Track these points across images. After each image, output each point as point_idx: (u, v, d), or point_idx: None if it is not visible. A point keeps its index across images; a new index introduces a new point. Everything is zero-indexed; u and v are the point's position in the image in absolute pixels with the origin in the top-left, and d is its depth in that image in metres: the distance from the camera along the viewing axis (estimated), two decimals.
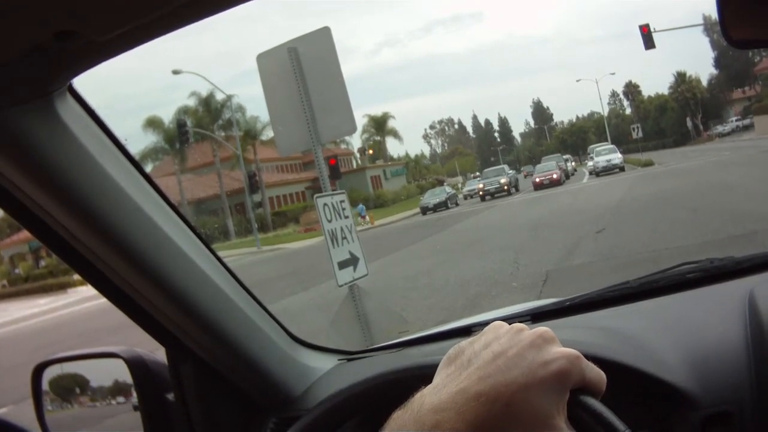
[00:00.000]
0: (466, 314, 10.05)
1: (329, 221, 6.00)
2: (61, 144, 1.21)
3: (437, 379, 0.95)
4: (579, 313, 1.80)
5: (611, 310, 1.73)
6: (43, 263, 54.50)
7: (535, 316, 1.86)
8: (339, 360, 2.02)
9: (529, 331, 0.94)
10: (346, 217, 6.20)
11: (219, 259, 1.61)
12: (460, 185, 80.00)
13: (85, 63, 1.10)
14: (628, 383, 1.27)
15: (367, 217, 52.47)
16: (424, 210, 52.90)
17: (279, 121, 6.51)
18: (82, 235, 1.32)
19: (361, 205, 57.20)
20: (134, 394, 1.78)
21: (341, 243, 6.05)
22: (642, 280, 1.82)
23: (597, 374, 0.93)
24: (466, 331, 1.87)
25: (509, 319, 1.72)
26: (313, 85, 6.24)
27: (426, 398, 0.91)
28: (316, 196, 6.07)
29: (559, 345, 0.93)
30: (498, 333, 0.96)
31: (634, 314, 1.63)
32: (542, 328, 0.94)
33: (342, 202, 6.20)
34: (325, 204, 6.00)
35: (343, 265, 6.06)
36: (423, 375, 1.01)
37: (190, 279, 1.50)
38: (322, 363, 1.96)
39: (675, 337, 1.39)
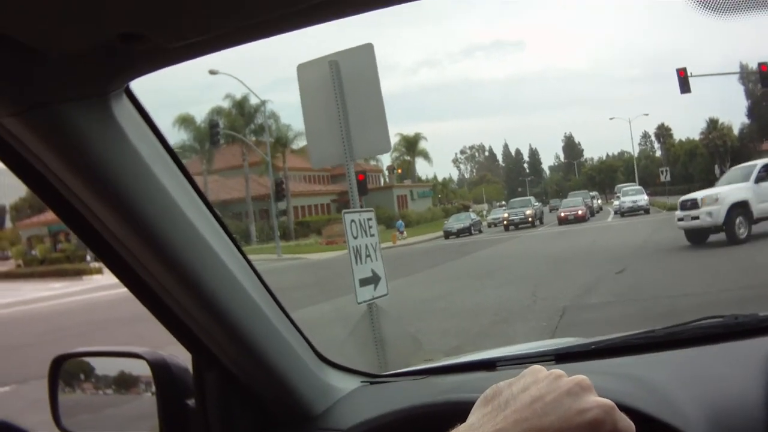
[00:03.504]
0: (480, 342, 10.05)
1: (355, 238, 6.01)
2: (113, 143, 1.22)
3: (473, 417, 0.95)
4: (603, 358, 1.79)
5: (635, 357, 1.72)
6: (60, 247, 54.65)
7: (559, 357, 1.85)
8: (362, 382, 2.01)
9: (567, 379, 0.95)
10: (372, 236, 6.21)
11: (255, 271, 1.62)
12: (485, 212, 79.67)
13: (147, 67, 1.11)
14: None
15: (405, 233, 54.42)
16: (447, 234, 52.70)
17: (314, 133, 6.53)
18: (122, 234, 1.33)
19: (400, 221, 58.90)
20: (152, 396, 1.77)
21: (365, 260, 6.06)
22: (667, 330, 1.83)
23: (628, 426, 0.93)
24: (491, 366, 1.89)
25: (532, 357, 1.86)
26: (351, 101, 6.26)
27: None
28: (344, 211, 6.09)
29: (595, 394, 0.93)
30: (537, 377, 0.96)
31: (659, 364, 1.63)
32: (580, 377, 0.95)
33: (369, 219, 6.21)
34: (352, 220, 6.01)
35: (364, 282, 6.06)
36: (457, 410, 1.00)
37: (225, 288, 1.50)
38: (345, 383, 1.95)
39: (697, 391, 1.39)
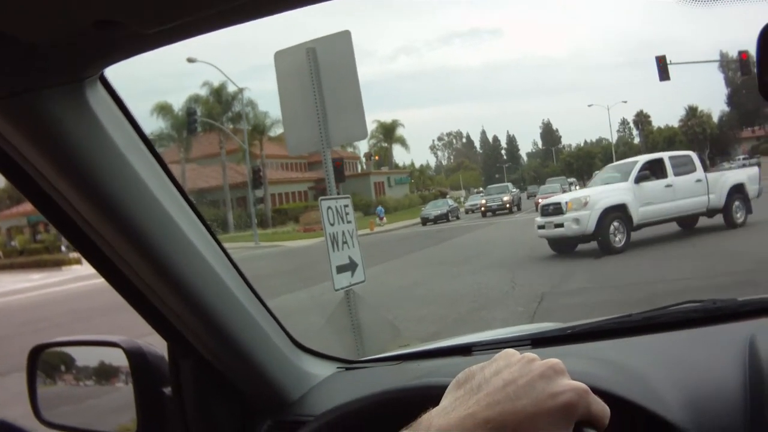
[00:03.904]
0: (459, 329, 10.06)
1: (332, 224, 6.00)
2: (87, 131, 1.21)
3: (445, 401, 0.95)
4: (580, 342, 1.79)
5: (613, 341, 1.72)
6: (39, 237, 54.28)
7: (536, 341, 1.85)
8: (338, 368, 2.01)
9: (540, 362, 0.95)
10: (349, 222, 6.20)
11: (230, 259, 1.61)
12: (462, 199, 79.77)
13: (122, 53, 1.10)
14: (627, 418, 1.26)
15: (385, 219, 55.25)
16: (425, 221, 52.73)
17: (291, 120, 6.51)
18: (97, 222, 1.32)
19: (380, 207, 59.79)
20: (131, 384, 1.76)
21: (341, 247, 6.05)
22: (645, 314, 1.81)
23: (602, 409, 0.93)
24: (466, 350, 1.88)
25: (509, 342, 1.88)
26: (328, 88, 6.25)
27: (434, 420, 0.90)
28: (321, 198, 6.08)
29: (569, 378, 0.93)
30: (509, 361, 0.96)
31: (636, 348, 1.63)
32: (553, 360, 0.95)
33: (346, 206, 6.20)
34: (329, 207, 6.01)
35: (341, 269, 6.06)
36: (430, 395, 1.00)
37: (201, 276, 1.50)
38: (321, 369, 1.95)
39: (675, 375, 1.39)
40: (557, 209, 18.00)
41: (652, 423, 1.28)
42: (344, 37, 6.30)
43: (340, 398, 1.58)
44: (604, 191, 18.32)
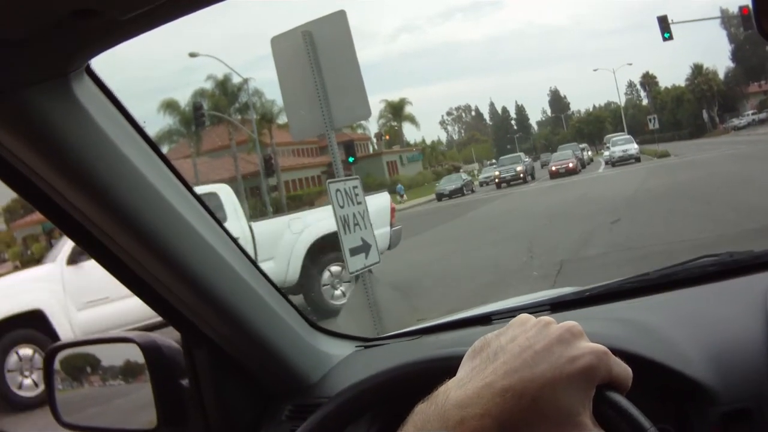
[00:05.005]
0: (479, 302, 10.02)
1: (341, 207, 5.94)
2: (78, 125, 1.19)
3: (462, 371, 0.93)
4: (599, 304, 1.75)
5: (631, 301, 1.69)
6: (55, 243, 54.49)
7: (555, 306, 1.81)
8: (356, 347, 1.99)
9: (557, 326, 0.92)
10: (359, 203, 6.14)
11: (235, 242, 1.59)
12: (476, 172, 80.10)
13: (104, 43, 1.08)
14: (649, 377, 1.22)
15: (406, 197, 56.35)
16: (440, 196, 53.02)
17: (292, 105, 6.48)
18: (97, 217, 1.30)
19: (400, 186, 60.94)
20: (148, 379, 1.72)
21: (353, 229, 6.00)
22: (661, 272, 1.79)
23: (623, 370, 0.91)
24: (486, 320, 1.86)
25: (528, 308, 1.80)
26: (328, 69, 6.19)
27: (451, 392, 0.89)
28: (328, 181, 6.03)
29: (587, 340, 0.91)
30: (525, 326, 0.94)
31: (654, 306, 1.59)
32: (570, 322, 0.92)
33: (355, 187, 6.14)
34: (337, 189, 5.95)
35: (354, 251, 6.00)
36: (447, 366, 0.98)
37: (207, 262, 1.48)
38: (339, 350, 1.92)
39: (695, 331, 1.36)
40: None
41: (674, 382, 1.25)
42: (339, 16, 6.24)
43: (360, 377, 1.54)
44: None
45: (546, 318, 0.94)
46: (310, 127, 6.44)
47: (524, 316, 0.97)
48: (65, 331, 9.96)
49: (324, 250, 11.65)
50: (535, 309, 1.79)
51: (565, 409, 0.85)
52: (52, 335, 9.74)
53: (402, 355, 1.65)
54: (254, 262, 1.64)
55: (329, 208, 9.50)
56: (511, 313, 1.82)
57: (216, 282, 1.50)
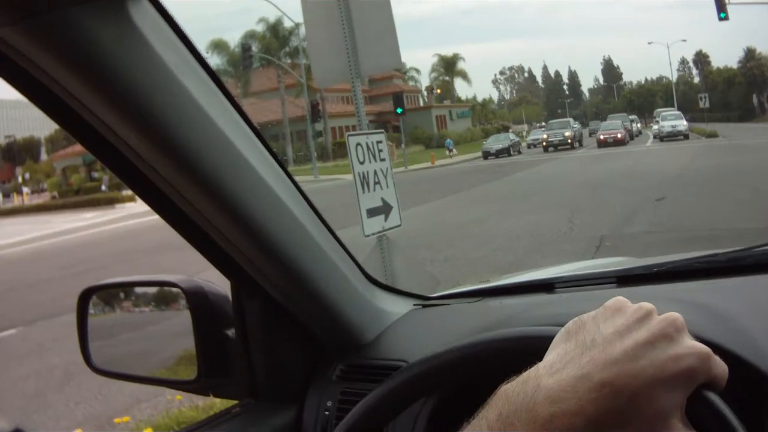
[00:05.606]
0: (514, 271, 9.63)
1: (361, 163, 5.48)
2: (133, 52, 1.06)
3: (553, 354, 0.84)
4: (666, 282, 1.64)
5: (699, 282, 1.58)
6: (95, 176, 55.44)
7: (621, 279, 1.71)
8: (414, 305, 1.89)
9: (660, 317, 0.83)
10: (382, 160, 5.66)
11: (299, 188, 1.48)
12: (524, 133, 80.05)
13: None
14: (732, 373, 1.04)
15: (455, 150, 57.21)
16: (486, 155, 53.20)
17: (318, 49, 6.07)
18: (149, 154, 1.19)
19: (449, 140, 61.48)
20: (190, 329, 1.62)
21: (373, 188, 5.53)
22: (730, 254, 1.68)
23: (722, 371, 0.83)
24: (549, 287, 1.79)
25: (593, 279, 1.77)
26: (358, 13, 5.76)
27: (542, 379, 0.79)
28: (348, 134, 5.57)
29: (689, 336, 0.83)
30: (625, 313, 0.85)
31: (724, 291, 1.48)
32: (673, 315, 0.84)
33: (379, 142, 5.66)
34: (358, 144, 5.49)
35: (372, 213, 5.54)
36: (533, 346, 0.91)
37: (268, 209, 1.38)
38: (397, 307, 1.83)
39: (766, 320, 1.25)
40: None
41: (747, 376, 1.11)
42: None
43: (418, 339, 1.61)
44: None
45: (646, 306, 0.85)
46: (335, 74, 6.02)
47: (621, 299, 0.88)
48: None
49: None
50: (599, 281, 1.76)
51: (660, 410, 0.77)
52: None
53: (465, 318, 1.73)
54: (315, 209, 1.54)
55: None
56: (574, 282, 1.79)
57: (276, 229, 1.41)
